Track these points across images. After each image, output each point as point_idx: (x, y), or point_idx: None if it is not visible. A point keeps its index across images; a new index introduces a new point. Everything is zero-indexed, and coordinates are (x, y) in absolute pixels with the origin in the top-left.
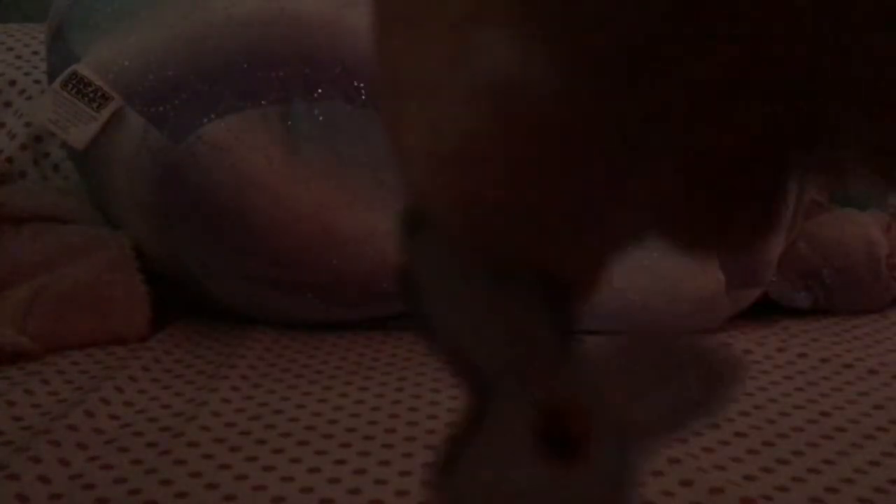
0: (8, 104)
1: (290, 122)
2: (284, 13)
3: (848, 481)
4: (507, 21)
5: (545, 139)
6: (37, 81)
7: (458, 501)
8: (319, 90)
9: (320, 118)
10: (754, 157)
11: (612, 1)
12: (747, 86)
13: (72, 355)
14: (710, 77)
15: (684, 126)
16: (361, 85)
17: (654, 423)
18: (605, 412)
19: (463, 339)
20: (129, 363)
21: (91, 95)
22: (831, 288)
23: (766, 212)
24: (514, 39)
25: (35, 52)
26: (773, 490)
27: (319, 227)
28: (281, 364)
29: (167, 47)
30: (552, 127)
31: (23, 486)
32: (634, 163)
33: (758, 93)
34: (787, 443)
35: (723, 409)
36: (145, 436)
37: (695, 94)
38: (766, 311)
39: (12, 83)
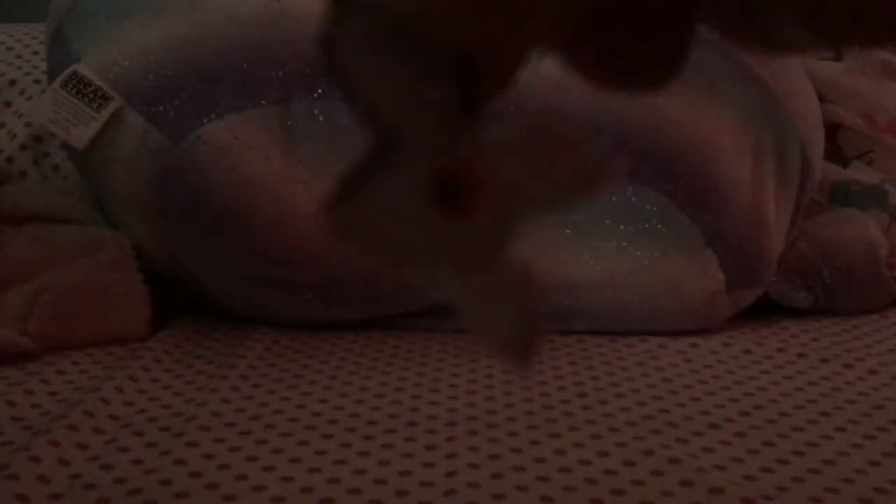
0: (8, 104)
1: (290, 122)
2: (284, 13)
3: (848, 481)
4: None
5: None
6: (37, 81)
7: (345, 233)
8: (319, 90)
9: (320, 118)
10: None
11: None
12: None
13: (72, 355)
14: None
15: None
16: None
17: (537, 197)
18: (496, 179)
19: (376, 99)
20: (129, 363)
21: (91, 95)
22: (831, 288)
23: (675, 46)
24: None
25: (35, 52)
26: (773, 490)
27: (319, 227)
28: (281, 364)
29: (167, 47)
30: None
31: (23, 486)
32: None
33: None
34: (787, 443)
35: (596, 198)
36: (145, 436)
37: None
38: (766, 311)
39: (12, 83)
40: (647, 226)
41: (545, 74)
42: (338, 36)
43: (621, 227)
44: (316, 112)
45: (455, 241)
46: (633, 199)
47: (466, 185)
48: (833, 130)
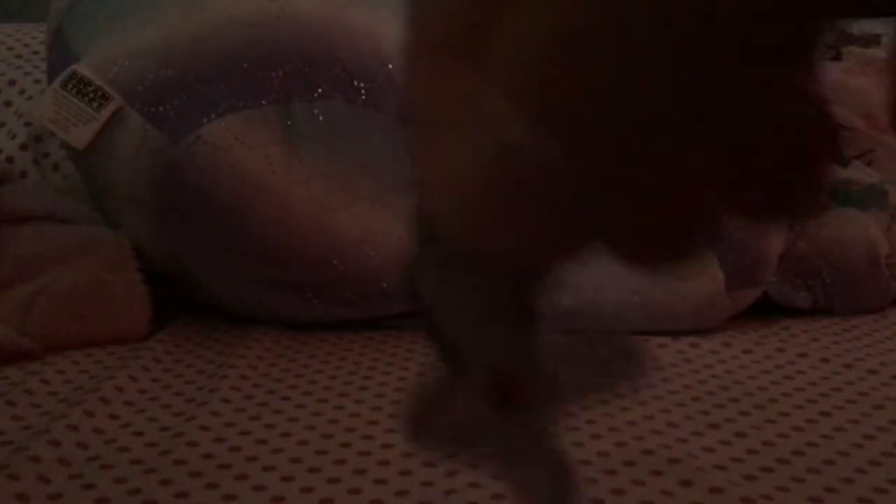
0: (8, 104)
1: (290, 122)
2: (284, 13)
3: (848, 481)
4: (513, 97)
5: (531, 193)
6: (37, 81)
7: (427, 439)
8: (319, 90)
9: (320, 118)
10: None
11: (610, 101)
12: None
13: (72, 355)
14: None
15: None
16: (361, 85)
17: (577, 391)
18: (542, 378)
19: (450, 326)
20: (129, 363)
21: (91, 95)
22: (831, 288)
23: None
24: (519, 114)
25: (35, 52)
26: (773, 490)
27: (319, 227)
28: (281, 364)
29: (167, 47)
30: (539, 184)
31: (23, 486)
32: (599, 214)
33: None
34: (787, 443)
35: (630, 392)
36: (145, 436)
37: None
38: (766, 311)
39: (12, 83)
40: None
41: None
42: (419, 270)
43: None
44: (316, 112)
45: (509, 431)
46: None
47: (517, 386)
48: None
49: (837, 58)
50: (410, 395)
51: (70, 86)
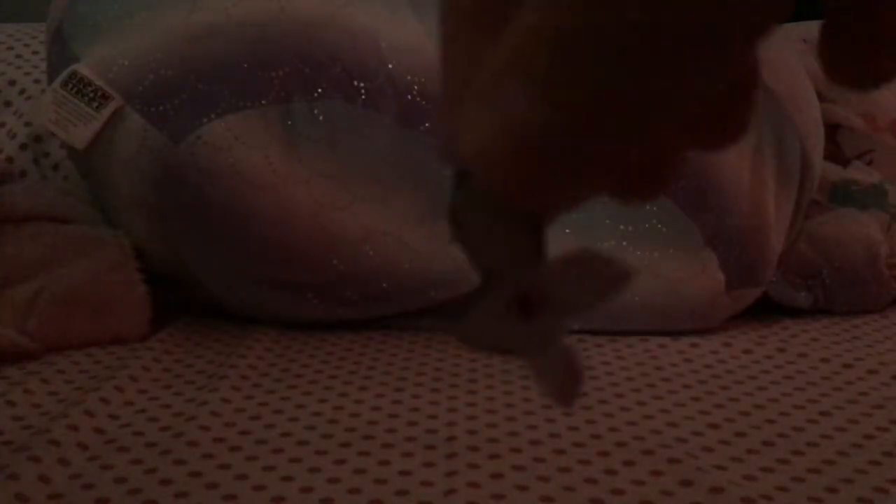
0: (8, 104)
1: (290, 122)
2: (284, 13)
3: (848, 481)
4: (531, 77)
5: (539, 155)
6: (37, 81)
7: (476, 350)
8: (319, 90)
9: (320, 118)
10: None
11: (597, 84)
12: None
13: (72, 355)
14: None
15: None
16: (361, 85)
17: (574, 303)
18: (551, 292)
19: (481, 254)
20: (129, 363)
21: (91, 95)
22: (831, 288)
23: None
24: (534, 92)
25: (35, 52)
26: (773, 490)
27: (319, 227)
28: (281, 364)
29: (167, 47)
30: (544, 145)
31: (23, 486)
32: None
33: None
34: (787, 443)
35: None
36: (145, 436)
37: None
38: (766, 311)
39: (12, 83)
40: (646, 226)
41: None
42: (458, 209)
43: (621, 227)
44: (316, 112)
45: (528, 335)
46: None
47: (535, 300)
48: (833, 130)
49: None
50: (463, 318)
51: (70, 86)
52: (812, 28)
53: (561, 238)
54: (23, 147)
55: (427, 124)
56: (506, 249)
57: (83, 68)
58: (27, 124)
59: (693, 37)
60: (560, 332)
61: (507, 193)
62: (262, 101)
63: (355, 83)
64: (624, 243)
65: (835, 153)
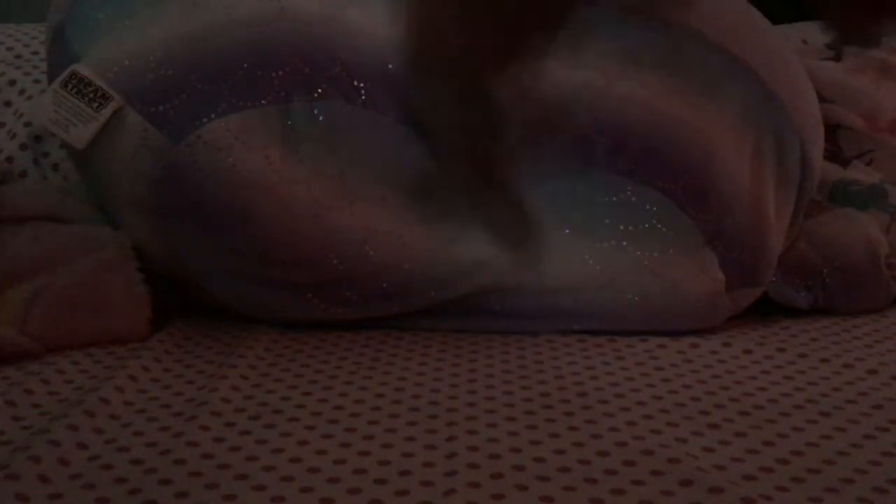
0: (8, 104)
1: (290, 122)
2: (284, 13)
3: (848, 481)
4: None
5: (454, 38)
6: (37, 81)
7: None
8: (319, 90)
9: (320, 118)
10: None
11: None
12: None
13: (72, 355)
14: None
15: None
16: (361, 85)
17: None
18: (504, 153)
19: (437, 118)
20: (129, 363)
21: (91, 95)
22: (831, 288)
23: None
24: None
25: (35, 52)
26: (773, 490)
27: (319, 227)
28: (281, 364)
29: (167, 47)
30: (456, 30)
31: (23, 486)
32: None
33: None
34: (787, 443)
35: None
36: (145, 436)
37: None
38: (766, 311)
39: (12, 83)
40: (646, 226)
41: (547, 72)
42: (419, 87)
43: (621, 227)
44: (316, 112)
45: (485, 193)
46: (633, 198)
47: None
48: (833, 130)
49: (837, 58)
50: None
51: (70, 86)
52: (812, 28)
53: (561, 238)
54: (23, 147)
55: None
56: (464, 118)
57: (83, 68)
58: (27, 124)
59: None
60: (513, 193)
61: (452, 60)
62: (262, 101)
63: (355, 83)
64: (624, 243)
65: (835, 153)
